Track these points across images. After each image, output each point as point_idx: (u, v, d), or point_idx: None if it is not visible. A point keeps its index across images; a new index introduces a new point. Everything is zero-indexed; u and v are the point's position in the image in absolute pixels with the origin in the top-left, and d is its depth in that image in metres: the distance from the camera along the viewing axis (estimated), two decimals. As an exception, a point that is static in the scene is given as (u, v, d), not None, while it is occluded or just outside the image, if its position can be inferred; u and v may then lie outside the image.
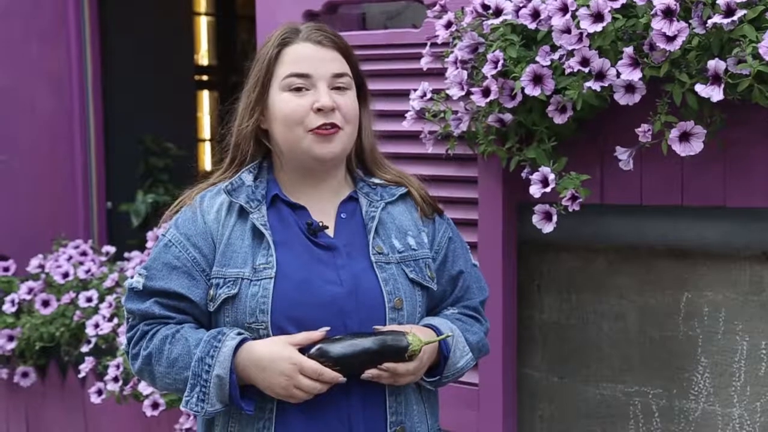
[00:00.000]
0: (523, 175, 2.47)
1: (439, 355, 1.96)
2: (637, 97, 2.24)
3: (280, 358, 1.81)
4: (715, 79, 2.13)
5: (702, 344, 2.53)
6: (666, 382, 2.59)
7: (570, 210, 2.35)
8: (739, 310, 2.47)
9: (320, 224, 1.94)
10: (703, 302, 2.53)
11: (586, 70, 2.25)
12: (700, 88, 2.14)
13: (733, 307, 2.48)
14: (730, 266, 2.47)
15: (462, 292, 2.07)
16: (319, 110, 1.89)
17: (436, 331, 1.95)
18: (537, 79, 2.34)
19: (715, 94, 2.12)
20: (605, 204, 2.57)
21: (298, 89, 1.91)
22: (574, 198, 2.34)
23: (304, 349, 1.83)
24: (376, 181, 2.03)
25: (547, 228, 2.40)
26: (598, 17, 2.23)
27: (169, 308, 1.91)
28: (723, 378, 2.51)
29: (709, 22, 2.11)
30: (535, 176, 2.38)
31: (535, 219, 2.42)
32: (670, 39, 2.14)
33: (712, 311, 2.51)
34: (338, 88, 1.92)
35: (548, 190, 2.35)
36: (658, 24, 2.14)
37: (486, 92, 2.41)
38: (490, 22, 2.41)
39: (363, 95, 2.01)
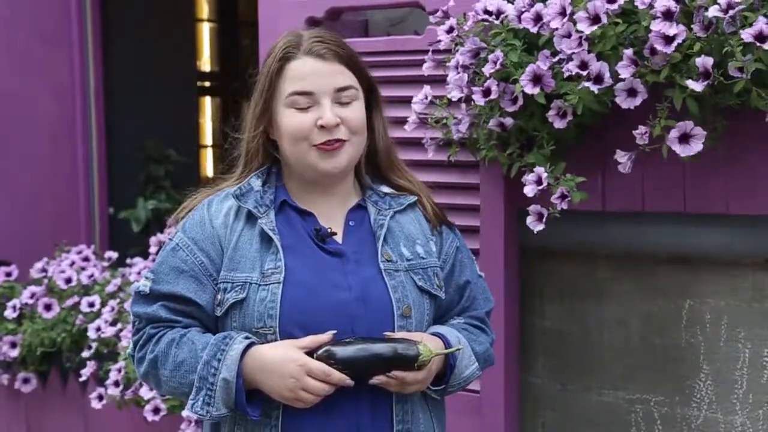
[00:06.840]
0: (524, 180, 2.47)
1: (445, 364, 1.96)
2: (638, 101, 2.24)
3: (287, 360, 1.81)
4: (705, 77, 2.12)
5: (704, 352, 2.53)
6: (668, 390, 2.59)
7: (558, 208, 2.35)
8: (742, 318, 2.47)
9: (329, 230, 1.94)
10: (705, 309, 2.52)
11: (585, 73, 2.25)
12: (690, 83, 2.13)
13: (736, 315, 2.48)
14: (732, 273, 2.47)
15: (468, 302, 2.08)
16: (322, 127, 1.89)
17: (445, 340, 1.95)
18: (537, 80, 2.34)
19: (698, 86, 2.11)
20: (607, 211, 2.57)
21: (303, 108, 1.91)
22: (563, 197, 2.34)
23: (311, 353, 1.83)
24: (385, 190, 2.03)
25: (538, 227, 2.40)
26: (595, 20, 2.23)
27: (176, 312, 1.91)
28: (725, 386, 2.50)
29: (709, 11, 2.10)
30: (530, 176, 2.39)
31: (528, 220, 2.42)
32: (669, 41, 2.14)
33: (715, 319, 2.51)
34: (343, 102, 1.92)
35: (543, 187, 2.35)
36: (657, 26, 2.14)
37: (486, 92, 2.41)
38: (489, 20, 2.41)
39: (375, 99, 2.01)
